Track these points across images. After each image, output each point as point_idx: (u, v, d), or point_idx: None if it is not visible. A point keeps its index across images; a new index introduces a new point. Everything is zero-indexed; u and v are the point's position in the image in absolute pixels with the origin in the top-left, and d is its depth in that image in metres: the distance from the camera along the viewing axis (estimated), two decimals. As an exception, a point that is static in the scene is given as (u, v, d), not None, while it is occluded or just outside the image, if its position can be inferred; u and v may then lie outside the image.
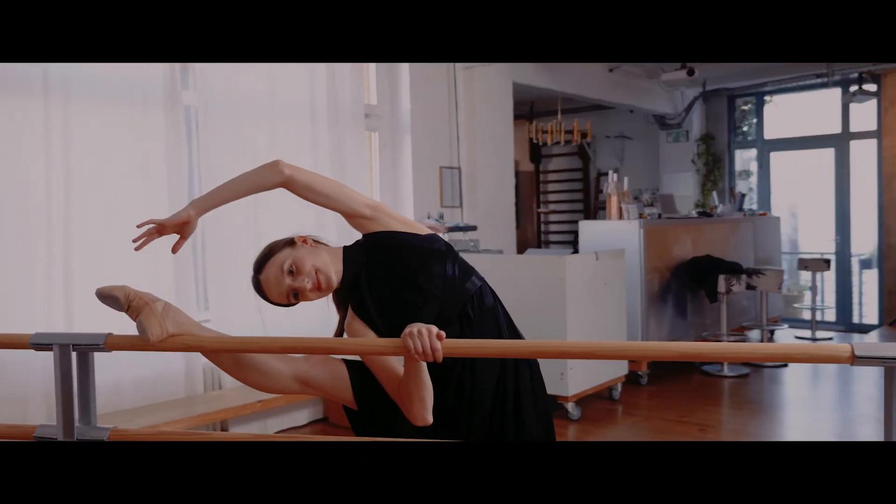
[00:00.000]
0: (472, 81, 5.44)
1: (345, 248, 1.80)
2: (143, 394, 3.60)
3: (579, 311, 4.29)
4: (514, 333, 1.88)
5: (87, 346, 1.67)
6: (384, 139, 5.11)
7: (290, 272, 1.71)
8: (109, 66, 3.43)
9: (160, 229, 1.65)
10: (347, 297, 1.81)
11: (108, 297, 1.67)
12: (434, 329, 1.55)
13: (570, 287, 4.23)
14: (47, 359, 1.90)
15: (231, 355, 1.75)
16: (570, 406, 4.31)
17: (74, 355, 1.71)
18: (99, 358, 1.73)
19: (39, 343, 1.69)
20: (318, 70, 4.34)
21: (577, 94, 6.68)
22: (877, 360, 1.34)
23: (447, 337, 1.73)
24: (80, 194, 3.36)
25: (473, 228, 5.00)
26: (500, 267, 4.52)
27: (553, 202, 9.81)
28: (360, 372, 1.81)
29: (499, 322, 1.84)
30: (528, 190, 10.22)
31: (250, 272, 1.79)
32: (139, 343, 1.64)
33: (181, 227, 1.67)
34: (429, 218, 4.94)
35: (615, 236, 5.31)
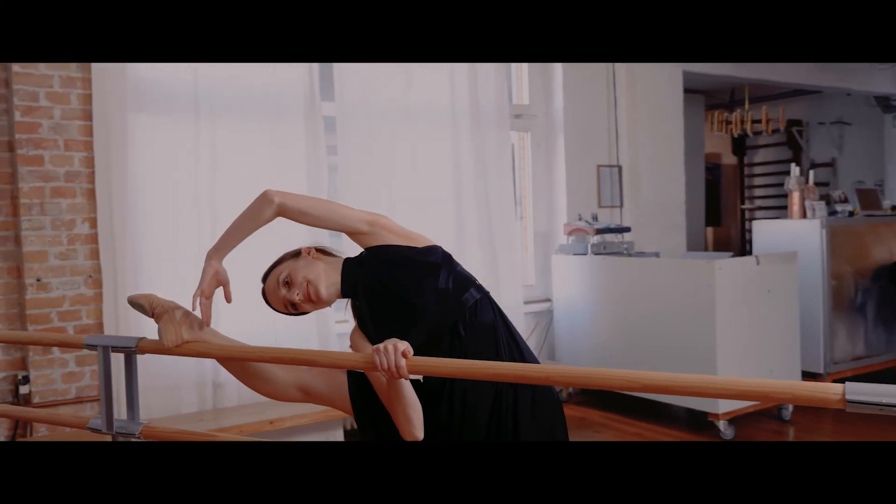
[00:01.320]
0: (635, 74, 5.15)
1: (345, 260, 1.81)
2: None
3: (733, 322, 3.89)
4: (516, 351, 1.76)
5: (122, 349, 1.84)
6: (537, 139, 5.02)
7: (286, 283, 1.76)
8: (252, 83, 3.72)
9: (207, 294, 1.75)
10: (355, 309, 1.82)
11: (136, 305, 1.83)
12: (401, 346, 1.52)
13: (721, 295, 3.84)
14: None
15: (239, 363, 1.83)
16: (721, 425, 3.92)
17: (121, 357, 1.90)
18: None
19: (90, 344, 1.89)
20: (458, 72, 4.37)
21: (767, 80, 6.06)
22: (873, 406, 1.08)
23: (440, 352, 1.69)
24: (226, 200, 3.67)
25: (626, 230, 4.73)
26: (649, 272, 4.24)
27: (759, 198, 8.99)
28: (359, 383, 1.81)
29: (496, 338, 1.74)
30: (731, 185, 9.46)
31: None
32: (161, 348, 1.77)
33: (216, 281, 1.76)
34: (580, 220, 4.77)
35: (793, 238, 4.74)
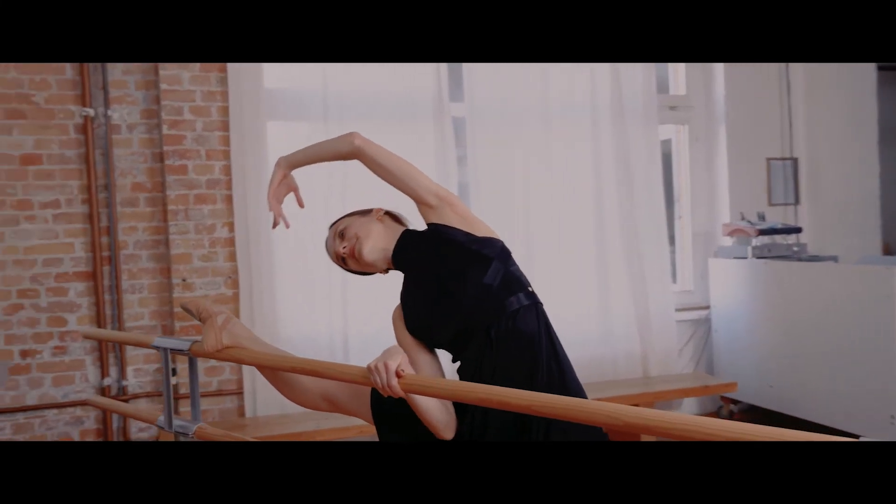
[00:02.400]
0: (813, 54, 4.55)
1: (405, 231, 1.79)
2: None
3: (917, 337, 3.30)
4: (557, 373, 1.58)
5: (177, 351, 1.91)
6: (695, 132, 4.61)
7: (340, 235, 1.80)
8: (379, 87, 3.77)
9: (278, 198, 1.84)
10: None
11: (186, 310, 1.89)
12: (393, 364, 1.44)
13: (902, 306, 3.28)
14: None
15: (271, 371, 1.82)
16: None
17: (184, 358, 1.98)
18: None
19: (156, 346, 1.99)
20: (600, 67, 4.13)
21: None
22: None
23: (467, 354, 1.63)
24: (355, 202, 3.73)
25: (796, 230, 4.20)
26: (820, 278, 3.72)
27: None
28: (379, 394, 1.72)
29: (535, 353, 1.58)
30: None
31: None
32: (201, 351, 1.82)
33: (286, 186, 1.86)
34: (742, 219, 4.31)
35: None
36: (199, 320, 1.87)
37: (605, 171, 4.14)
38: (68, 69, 3.46)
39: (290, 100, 3.70)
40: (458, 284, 1.60)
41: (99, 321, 3.51)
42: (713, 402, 4.48)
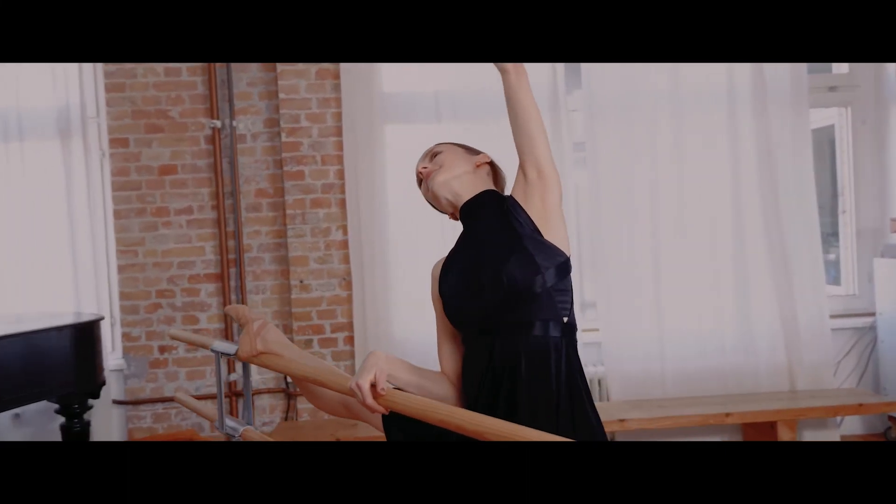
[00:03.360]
0: None
1: (489, 189, 1.66)
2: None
3: None
4: (569, 416, 1.43)
5: (225, 355, 1.95)
6: (861, 114, 4.05)
7: (431, 156, 1.70)
8: (488, 85, 3.67)
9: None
10: None
11: (229, 316, 1.93)
12: (365, 385, 1.39)
13: None
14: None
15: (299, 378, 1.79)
16: None
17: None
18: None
19: (213, 350, 2.05)
20: (738, 47, 3.74)
21: None
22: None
23: (476, 350, 1.52)
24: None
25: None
26: None
27: None
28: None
29: (543, 392, 1.43)
30: None
31: None
32: (240, 355, 1.84)
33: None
34: (916, 213, 3.72)
35: None
36: (240, 326, 1.89)
37: (745, 164, 3.75)
38: (199, 84, 3.71)
39: (403, 102, 3.71)
40: (493, 277, 1.47)
41: (225, 321, 3.72)
42: (881, 422, 3.91)
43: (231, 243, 3.73)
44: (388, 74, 3.69)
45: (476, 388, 1.50)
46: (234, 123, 3.70)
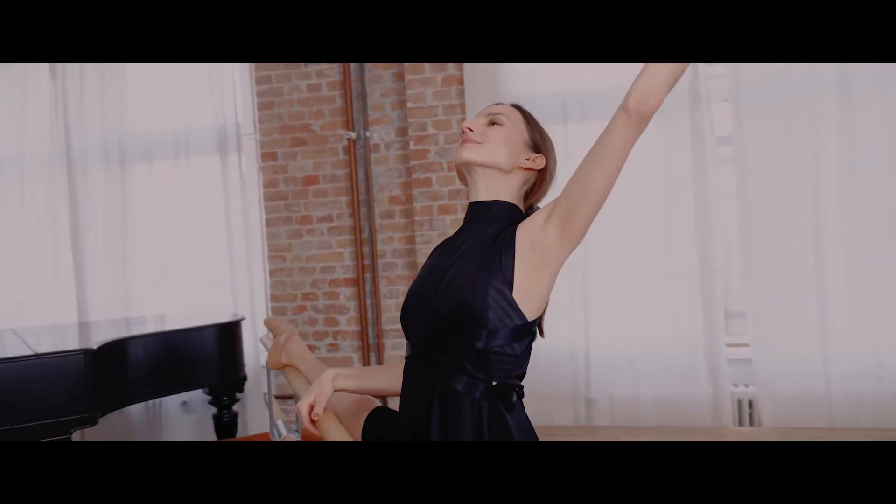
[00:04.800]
0: None
1: (505, 203, 1.44)
2: (664, 414, 3.47)
3: None
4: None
5: (265, 368, 2.04)
6: None
7: (488, 118, 1.48)
8: (624, 81, 3.44)
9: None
10: None
11: (265, 327, 2.00)
12: (304, 409, 1.38)
13: None
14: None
15: None
16: None
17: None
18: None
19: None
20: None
21: None
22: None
23: (418, 368, 1.41)
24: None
25: None
26: None
27: None
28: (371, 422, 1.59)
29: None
30: None
31: None
32: (269, 366, 1.92)
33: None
34: None
35: None
36: (273, 337, 1.97)
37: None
38: (337, 98, 3.90)
39: (527, 105, 3.59)
40: (443, 303, 1.33)
41: (361, 324, 3.88)
42: None
43: (366, 249, 3.88)
44: (511, 78, 3.60)
45: (405, 403, 1.42)
46: (368, 134, 3.84)
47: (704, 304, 3.40)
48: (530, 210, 1.49)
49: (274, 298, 4.02)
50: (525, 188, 1.47)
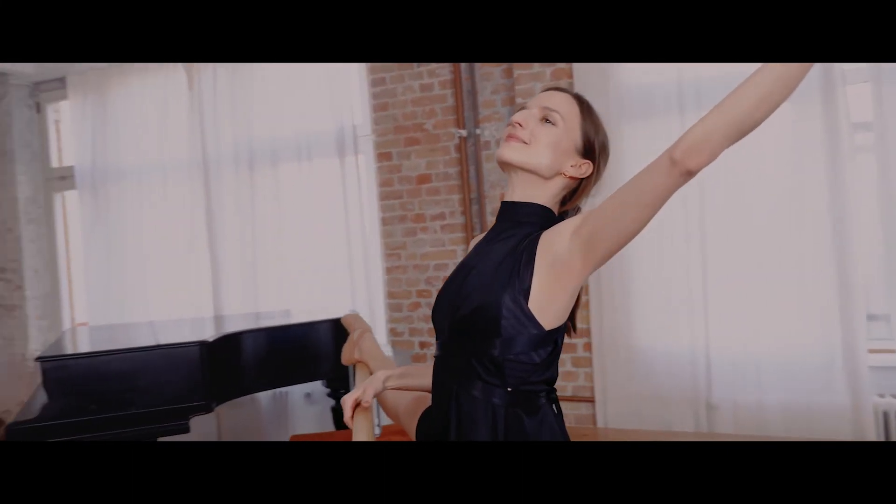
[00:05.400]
0: None
1: (537, 206, 1.35)
2: (794, 424, 3.21)
3: None
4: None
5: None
6: None
7: (545, 109, 1.35)
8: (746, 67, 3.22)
9: None
10: None
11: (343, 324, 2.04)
12: (348, 402, 1.37)
13: None
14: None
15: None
16: None
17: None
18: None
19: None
20: None
21: None
22: None
23: (443, 368, 1.37)
24: (721, 196, 3.29)
25: None
26: None
27: None
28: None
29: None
30: None
31: None
32: (343, 361, 1.96)
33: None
34: None
35: None
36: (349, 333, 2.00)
37: None
38: (449, 97, 3.92)
39: (641, 95, 3.45)
40: (466, 303, 1.27)
41: (474, 321, 3.88)
42: None
43: (477, 247, 3.87)
44: (622, 68, 3.46)
45: (432, 405, 1.39)
46: (478, 131, 3.83)
47: (842, 305, 3.10)
48: (564, 215, 1.40)
49: (390, 295, 4.10)
50: (564, 192, 1.38)
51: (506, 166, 1.36)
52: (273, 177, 4.31)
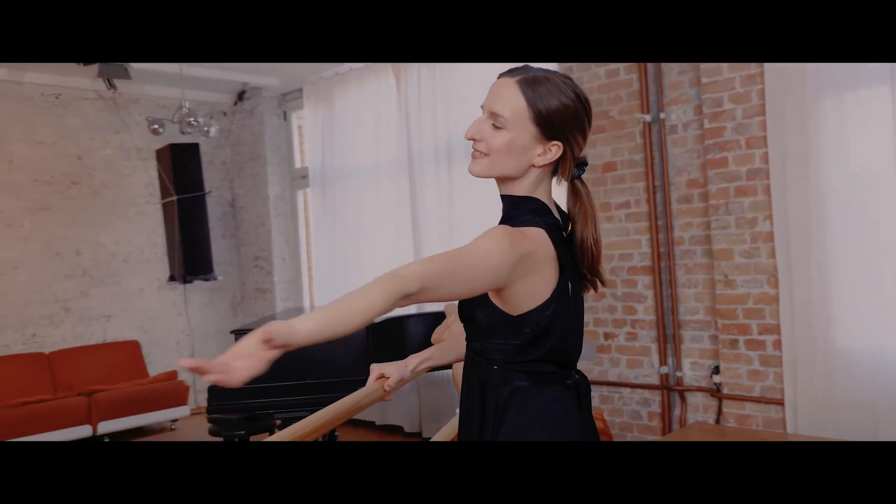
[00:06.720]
0: None
1: (532, 200, 1.32)
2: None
3: None
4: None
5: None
6: None
7: (492, 115, 1.28)
8: None
9: None
10: None
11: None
12: (375, 375, 1.50)
13: None
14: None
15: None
16: None
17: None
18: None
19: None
20: None
21: None
22: None
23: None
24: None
25: None
26: None
27: None
28: None
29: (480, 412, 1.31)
30: None
31: None
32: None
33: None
34: None
35: None
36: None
37: None
38: (634, 81, 3.80)
39: (841, 69, 3.07)
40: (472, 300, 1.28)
41: (658, 314, 3.73)
42: None
43: (661, 236, 3.72)
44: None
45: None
46: (663, 115, 3.67)
47: None
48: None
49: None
50: (547, 174, 1.32)
51: (481, 178, 1.35)
52: (466, 172, 4.51)
